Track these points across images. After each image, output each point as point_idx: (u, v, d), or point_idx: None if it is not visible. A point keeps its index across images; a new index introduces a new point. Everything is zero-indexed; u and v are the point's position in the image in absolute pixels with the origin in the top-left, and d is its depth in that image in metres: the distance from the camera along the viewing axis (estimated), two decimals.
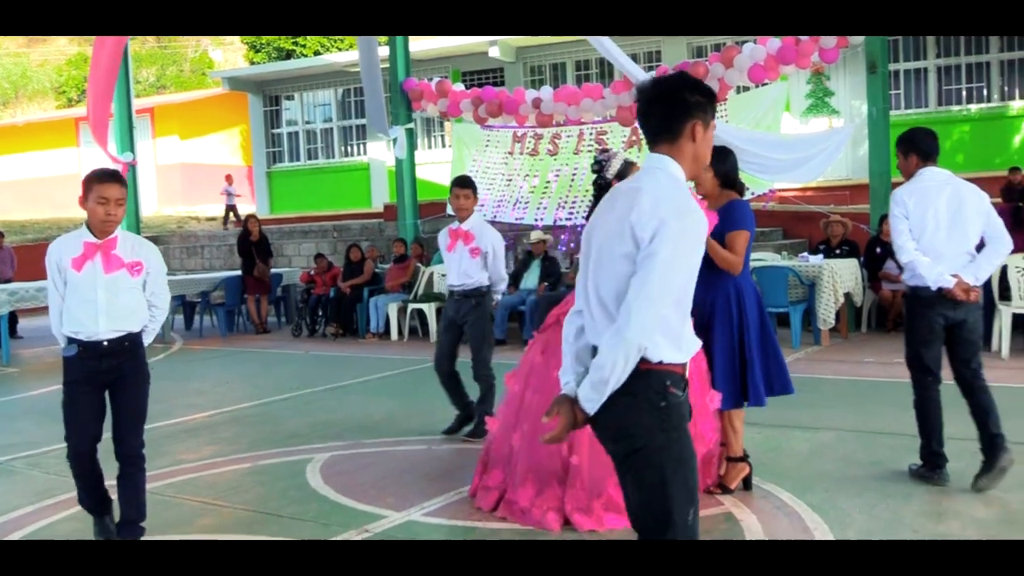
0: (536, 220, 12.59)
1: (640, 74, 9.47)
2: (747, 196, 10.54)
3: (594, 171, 5.08)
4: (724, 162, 4.87)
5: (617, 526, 4.46)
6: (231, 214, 21.83)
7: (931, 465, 5.04)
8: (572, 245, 12.19)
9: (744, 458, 5.04)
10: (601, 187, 5.01)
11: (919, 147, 5.00)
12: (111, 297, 4.30)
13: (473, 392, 6.67)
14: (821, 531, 4.36)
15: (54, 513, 5.15)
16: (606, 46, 8.81)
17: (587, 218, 5.11)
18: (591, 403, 2.58)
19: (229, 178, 22.97)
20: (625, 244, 2.55)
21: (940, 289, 4.87)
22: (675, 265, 2.50)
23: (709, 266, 4.85)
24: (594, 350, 2.65)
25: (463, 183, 6.60)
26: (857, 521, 4.51)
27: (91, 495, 4.56)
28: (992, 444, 4.88)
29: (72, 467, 4.47)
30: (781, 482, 5.15)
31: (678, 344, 2.60)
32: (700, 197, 4.92)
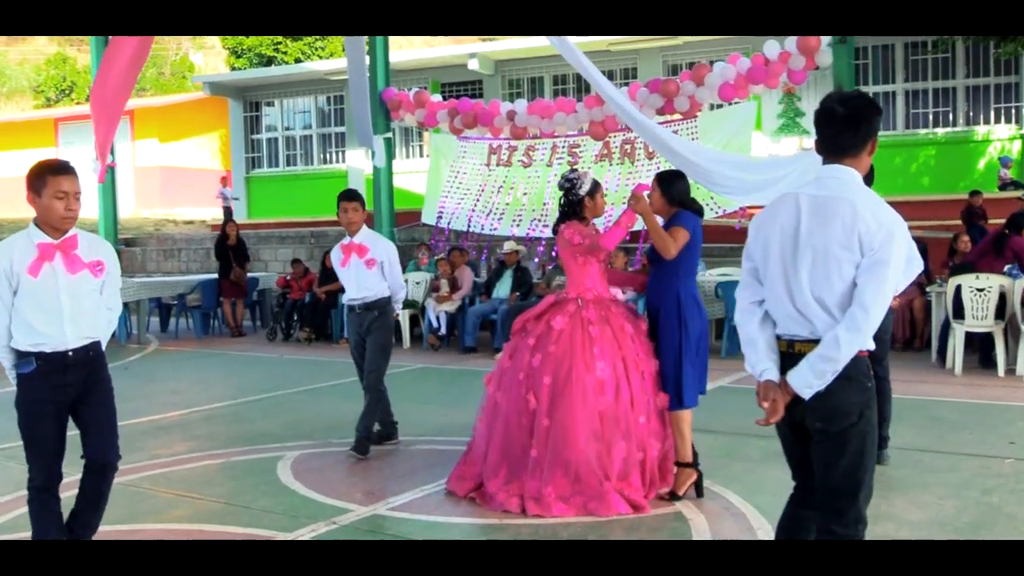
0: (511, 231, 12.80)
1: (612, 91, 9.68)
2: (718, 213, 10.82)
3: (563, 188, 5.37)
4: (672, 186, 5.27)
5: (565, 515, 4.87)
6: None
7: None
8: (552, 254, 12.39)
9: (693, 464, 5.20)
10: (573, 202, 5.31)
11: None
12: (74, 302, 3.86)
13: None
14: (765, 531, 4.59)
15: None
16: (582, 63, 9.01)
17: (554, 231, 5.41)
18: (811, 389, 2.90)
19: (224, 180, 22.93)
20: (852, 252, 2.88)
21: None
22: (899, 269, 2.90)
23: (658, 274, 5.16)
24: (777, 338, 3.02)
25: (350, 196, 6.36)
26: None
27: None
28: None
29: (35, 503, 3.90)
30: (732, 485, 5.38)
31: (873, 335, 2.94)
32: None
